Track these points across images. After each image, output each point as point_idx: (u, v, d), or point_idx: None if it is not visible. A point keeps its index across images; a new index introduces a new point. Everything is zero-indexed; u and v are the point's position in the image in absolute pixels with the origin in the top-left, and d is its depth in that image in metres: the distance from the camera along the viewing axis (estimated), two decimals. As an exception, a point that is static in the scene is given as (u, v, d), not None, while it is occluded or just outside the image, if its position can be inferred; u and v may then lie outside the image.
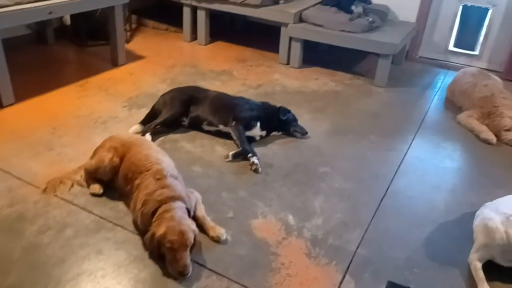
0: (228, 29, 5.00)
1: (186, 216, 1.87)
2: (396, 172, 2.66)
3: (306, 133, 2.96)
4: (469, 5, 4.34)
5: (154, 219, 1.85)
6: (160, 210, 1.85)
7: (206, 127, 2.90)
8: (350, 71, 4.18)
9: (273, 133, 2.96)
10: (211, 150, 2.76)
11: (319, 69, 4.20)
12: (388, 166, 2.72)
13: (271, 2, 4.18)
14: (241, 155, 2.64)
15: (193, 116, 2.90)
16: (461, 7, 4.36)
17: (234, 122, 2.77)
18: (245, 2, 4.14)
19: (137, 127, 2.85)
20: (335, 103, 3.54)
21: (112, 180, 2.21)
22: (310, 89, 3.77)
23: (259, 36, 4.81)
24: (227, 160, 2.64)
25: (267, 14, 4.16)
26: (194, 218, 2.00)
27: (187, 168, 2.55)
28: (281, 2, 4.23)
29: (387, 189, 2.50)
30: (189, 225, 1.82)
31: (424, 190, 2.52)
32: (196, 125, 2.93)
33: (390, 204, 2.38)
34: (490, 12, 4.26)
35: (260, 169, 2.55)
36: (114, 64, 3.94)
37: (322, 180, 2.54)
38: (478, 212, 2.02)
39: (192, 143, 2.83)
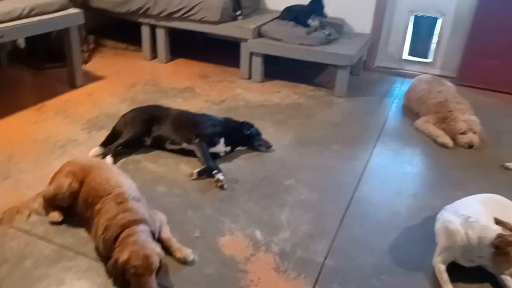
0: (188, 46, 5.00)
1: (150, 239, 1.82)
2: (359, 180, 2.71)
3: (270, 146, 2.98)
4: (419, 15, 4.53)
5: (116, 245, 1.79)
6: (122, 235, 1.80)
7: (169, 146, 2.87)
8: (311, 83, 4.26)
9: (238, 148, 2.97)
10: (175, 169, 2.73)
11: (281, 82, 4.26)
12: (352, 175, 2.77)
13: (230, 18, 4.22)
14: (206, 172, 2.62)
15: (156, 136, 2.86)
16: (412, 17, 4.55)
17: (197, 140, 2.75)
18: (203, 19, 4.16)
19: (97, 149, 2.78)
20: (297, 115, 3.59)
21: (72, 206, 2.14)
22: (273, 103, 3.81)
23: (220, 51, 4.83)
24: (192, 178, 2.61)
25: (227, 30, 4.19)
26: (159, 240, 1.96)
27: (151, 188, 2.50)
28: (239, 18, 4.28)
29: (352, 197, 2.54)
30: (154, 248, 1.77)
31: (387, 196, 2.58)
32: (159, 145, 2.89)
33: (355, 212, 2.42)
34: (440, 21, 4.47)
35: (225, 185, 2.54)
36: (72, 85, 3.84)
37: (288, 193, 2.56)
38: (438, 216, 2.08)
39: (156, 163, 2.78)
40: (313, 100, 3.91)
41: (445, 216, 2.00)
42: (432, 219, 2.15)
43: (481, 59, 4.20)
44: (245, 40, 4.11)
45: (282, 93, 4.03)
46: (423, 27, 4.59)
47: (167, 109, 3.03)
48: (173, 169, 2.73)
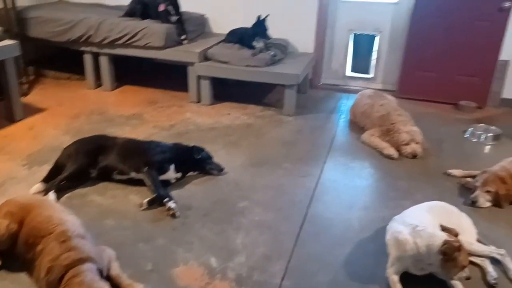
0: (134, 72, 4.92)
1: (98, 278, 1.73)
2: (312, 196, 2.74)
3: (223, 169, 2.96)
4: (358, 33, 4.74)
5: (61, 287, 1.68)
6: (67, 276, 1.69)
7: (117, 176, 2.77)
8: (260, 103, 4.31)
9: (189, 173, 2.92)
10: (125, 200, 2.63)
11: (231, 104, 4.27)
12: (304, 192, 2.79)
13: (175, 43, 4.20)
14: (157, 201, 2.55)
15: (102, 166, 2.76)
16: (352, 36, 4.76)
17: (146, 168, 2.68)
18: (148, 45, 4.12)
19: (38, 186, 2.63)
20: (248, 136, 3.60)
21: (12, 248, 1.99)
22: (223, 125, 3.81)
23: (168, 76, 4.80)
24: (142, 208, 2.52)
25: (172, 55, 4.17)
26: (108, 278, 1.86)
27: (99, 223, 2.39)
28: (185, 42, 4.28)
29: (305, 214, 2.55)
30: (102, 287, 1.68)
31: (339, 210, 2.62)
32: (106, 175, 2.78)
33: (310, 229, 2.43)
34: (377, 38, 4.69)
35: (177, 213, 2.48)
36: (11, 120, 3.65)
37: (242, 215, 2.53)
38: (388, 227, 2.13)
39: (103, 195, 2.67)
40: (263, 120, 3.94)
41: (394, 227, 2.05)
42: (384, 230, 2.20)
43: (418, 72, 4.44)
44: (192, 64, 4.10)
45: (232, 114, 4.04)
46: (363, 45, 4.81)
47: (113, 138, 2.94)
48: (122, 200, 2.63)
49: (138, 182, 2.74)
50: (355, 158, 3.28)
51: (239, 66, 4.03)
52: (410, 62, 4.44)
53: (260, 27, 4.10)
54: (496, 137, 3.56)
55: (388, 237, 2.07)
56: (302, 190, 2.81)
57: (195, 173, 2.94)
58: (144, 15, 4.34)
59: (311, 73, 4.75)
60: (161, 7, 4.14)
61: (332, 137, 3.64)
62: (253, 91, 4.50)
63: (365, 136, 3.51)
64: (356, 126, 3.81)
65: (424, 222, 2.00)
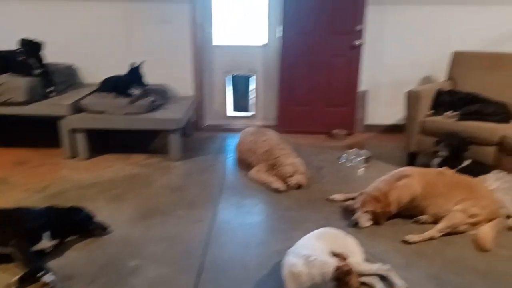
0: (-4, 131, 4.39)
1: None
2: (207, 242, 2.66)
3: (107, 227, 2.72)
4: (235, 74, 4.93)
5: None
6: None
7: (-22, 255, 2.36)
8: (144, 151, 4.15)
9: (69, 238, 2.62)
10: (-11, 282, 2.24)
11: (112, 155, 4.04)
12: (199, 238, 2.70)
13: (41, 97, 3.87)
14: (30, 277, 2.21)
15: (-43, 246, 2.33)
16: (229, 77, 4.92)
17: (14, 240, 2.33)
18: (9, 101, 3.72)
19: None
20: (135, 187, 3.41)
21: None
22: (105, 178, 3.56)
23: (38, 132, 4.36)
24: (13, 288, 2.17)
25: (38, 109, 3.82)
26: None
27: (-44, 316, 1.98)
28: (52, 94, 3.96)
29: (203, 262, 2.45)
30: None
31: (236, 251, 2.57)
32: (-37, 256, 2.35)
33: (208, 276, 2.34)
34: (253, 78, 4.93)
35: (57, 287, 2.18)
36: None
37: (134, 275, 2.33)
38: (283, 261, 2.15)
39: (-40, 281, 2.24)
40: (149, 168, 3.79)
41: (289, 260, 2.07)
42: (280, 264, 2.21)
43: (293, 107, 4.76)
44: (63, 117, 3.80)
45: (114, 166, 3.80)
46: (241, 85, 5.02)
47: (-29, 211, 2.52)
48: (-14, 283, 2.24)
49: (6, 258, 2.36)
50: (246, 195, 3.31)
51: (117, 115, 3.85)
52: (285, 98, 4.74)
53: (135, 74, 4.02)
54: (367, 160, 3.93)
55: (284, 271, 2.08)
56: (197, 237, 2.72)
57: (76, 236, 2.65)
58: (3, 69, 3.93)
59: (194, 116, 4.76)
60: (21, 59, 3.80)
61: (222, 177, 3.64)
62: (135, 140, 4.33)
63: (253, 172, 3.59)
64: (244, 163, 3.88)
65: (316, 251, 2.07)
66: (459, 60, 4.09)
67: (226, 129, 4.92)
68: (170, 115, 3.92)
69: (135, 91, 3.99)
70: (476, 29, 4.46)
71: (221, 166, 3.89)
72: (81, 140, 3.89)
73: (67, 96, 4.02)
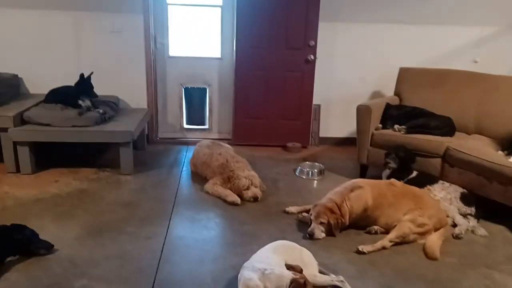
0: None
1: None
2: (160, 259, 2.57)
3: (52, 246, 2.56)
4: (189, 87, 4.88)
5: None
6: None
7: None
8: (94, 165, 3.98)
9: (8, 259, 2.44)
10: None
11: (59, 170, 3.84)
12: (151, 255, 2.61)
13: (-19, 108, 3.63)
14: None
15: None
16: (183, 89, 4.87)
17: None
18: None
19: None
20: (83, 203, 3.26)
21: None
22: (51, 194, 3.37)
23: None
24: None
25: (-22, 121, 3.58)
26: None
27: None
28: (-7, 106, 3.73)
29: (154, 280, 2.37)
30: None
31: (190, 268, 2.51)
32: None
33: (161, 295, 2.26)
34: (208, 90, 4.90)
35: (-5, 312, 2.02)
36: None
37: (81, 297, 2.21)
38: (239, 276, 2.12)
39: None
40: (99, 183, 3.64)
41: (245, 274, 2.04)
42: (236, 279, 2.18)
43: (248, 120, 4.76)
44: (5, 129, 3.58)
45: (61, 181, 3.62)
46: (195, 97, 4.97)
47: None
48: None
49: None
50: (201, 210, 3.25)
51: (64, 127, 3.68)
52: (240, 111, 4.74)
53: (84, 85, 3.87)
54: (320, 172, 4.00)
55: (240, 286, 2.05)
56: (149, 254, 2.62)
57: (16, 257, 2.47)
58: None
59: (147, 128, 4.65)
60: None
61: (176, 191, 3.56)
62: (85, 153, 4.15)
63: (208, 186, 3.54)
64: (198, 177, 3.82)
65: (272, 264, 2.06)
66: (405, 76, 4.29)
67: (180, 142, 4.84)
68: (121, 128, 3.79)
69: (84, 103, 3.85)
70: (421, 47, 4.70)
71: (175, 180, 3.81)
72: (24, 154, 3.67)
73: (10, 107, 3.80)
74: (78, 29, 4.42)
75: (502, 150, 3.28)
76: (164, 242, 2.77)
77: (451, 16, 4.63)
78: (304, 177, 3.97)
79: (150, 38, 4.50)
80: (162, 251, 2.66)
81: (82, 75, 3.89)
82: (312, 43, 4.52)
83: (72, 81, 3.94)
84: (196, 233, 2.93)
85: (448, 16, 4.63)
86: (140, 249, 2.68)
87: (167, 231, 2.91)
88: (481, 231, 2.97)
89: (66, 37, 4.42)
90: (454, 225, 3.00)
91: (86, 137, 3.72)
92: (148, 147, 4.61)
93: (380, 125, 3.90)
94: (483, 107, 3.83)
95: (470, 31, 4.69)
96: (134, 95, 4.60)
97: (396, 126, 3.79)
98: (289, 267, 2.01)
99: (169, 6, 4.61)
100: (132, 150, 3.86)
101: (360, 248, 2.67)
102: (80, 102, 3.83)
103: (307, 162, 4.15)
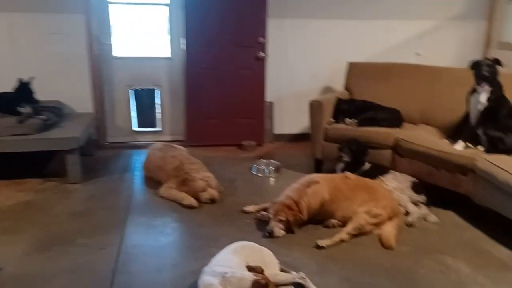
0: None
1: None
2: (114, 269, 2.46)
3: (-5, 266, 2.38)
4: (138, 88, 4.73)
5: None
6: None
7: None
8: (39, 175, 3.76)
9: None
10: None
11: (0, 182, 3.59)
12: (106, 267, 2.48)
13: None
14: None
15: None
16: (132, 91, 4.70)
17: None
18: None
19: None
20: (28, 216, 3.06)
21: None
22: (-8, 209, 3.14)
23: None
24: None
25: None
26: None
27: None
28: None
29: (110, 293, 2.26)
30: None
31: (147, 277, 2.41)
32: None
33: (118, 309, 2.15)
34: (158, 92, 4.77)
35: None
36: None
37: (30, 318, 2.06)
38: (199, 281, 2.06)
39: None
40: (45, 194, 3.43)
41: (205, 280, 1.99)
42: (196, 285, 2.11)
43: (201, 120, 4.70)
44: None
45: (2, 194, 3.39)
46: (145, 99, 4.82)
47: None
48: None
49: None
50: (157, 215, 3.14)
51: (3, 137, 3.43)
52: (193, 111, 4.65)
53: (24, 90, 3.64)
54: (277, 169, 4.00)
55: (201, 292, 1.99)
56: (103, 266, 2.49)
57: (-45, 281, 2.27)
58: None
59: (96, 133, 4.45)
60: None
61: (129, 197, 3.42)
62: (28, 163, 3.90)
63: (162, 190, 3.43)
64: (152, 181, 3.70)
65: (232, 266, 2.02)
66: (354, 70, 4.38)
67: (131, 145, 4.67)
68: (66, 134, 3.60)
69: (25, 109, 3.61)
70: (367, 42, 4.84)
71: (127, 185, 3.67)
72: (-42, 167, 3.40)
73: None
74: (15, 32, 4.14)
75: (447, 138, 3.42)
76: (119, 252, 2.65)
77: (394, 11, 4.79)
78: (260, 175, 3.95)
79: (93, 39, 4.30)
80: (117, 261, 2.54)
81: (20, 80, 3.65)
82: (261, 40, 4.51)
83: (10, 87, 3.69)
84: (152, 240, 2.83)
85: (391, 11, 4.79)
86: (93, 261, 2.54)
87: (122, 240, 2.78)
88: (433, 218, 3.09)
89: (1, 40, 4.13)
90: (407, 214, 3.10)
91: (28, 145, 3.49)
92: (97, 153, 4.41)
93: (333, 120, 3.96)
94: (428, 98, 3.98)
95: (412, 25, 4.88)
96: (79, 99, 4.38)
97: (347, 120, 3.87)
98: (250, 268, 1.98)
99: (110, 5, 4.43)
100: (80, 157, 3.67)
101: (319, 243, 2.69)
102: (19, 109, 3.59)
103: (263, 160, 4.14)
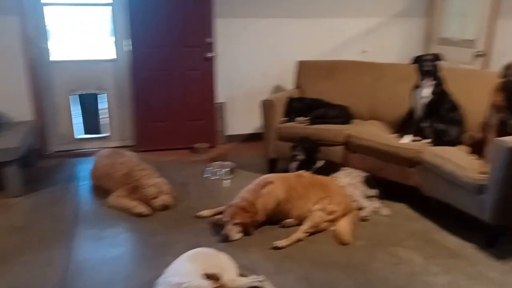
0: None
1: None
2: (64, 287, 2.30)
3: None
4: (82, 93, 4.49)
5: None
6: None
7: None
8: (-27, 190, 3.47)
9: None
10: None
11: None
12: (52, 284, 2.32)
13: None
14: None
15: None
16: (75, 96, 4.46)
17: None
18: None
19: None
20: (-39, 236, 2.81)
21: None
22: None
23: None
24: None
25: None
26: None
27: None
28: None
29: (58, 313, 2.11)
30: None
31: (99, 293, 2.28)
32: None
33: (67, 330, 2.01)
34: (104, 96, 4.55)
35: None
36: None
37: None
38: (153, 294, 1.97)
39: None
40: (-19, 210, 3.17)
41: (160, 292, 1.91)
42: (150, 297, 2.03)
43: (151, 123, 4.55)
44: None
45: None
46: (90, 104, 4.58)
47: None
48: None
49: None
50: (106, 226, 2.99)
51: None
52: (141, 115, 4.49)
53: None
54: (231, 171, 3.94)
55: (156, 305, 1.90)
56: (49, 283, 2.33)
57: None
58: None
59: (36, 142, 4.17)
60: None
61: (76, 208, 3.24)
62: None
63: (112, 198, 3.28)
64: (101, 190, 3.52)
65: (188, 276, 1.94)
66: (303, 69, 4.41)
67: (76, 154, 4.43)
68: (3, 145, 3.34)
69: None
70: (315, 40, 4.89)
71: (73, 196, 3.47)
72: None
73: None
74: None
75: (395, 133, 3.53)
76: (67, 267, 2.49)
77: (340, 9, 4.88)
78: (214, 178, 3.88)
79: (28, 42, 4.03)
80: (64, 278, 2.38)
81: None
82: (209, 40, 4.44)
83: None
84: (102, 252, 2.69)
85: (337, 9, 4.87)
86: (38, 279, 2.37)
87: (69, 254, 2.62)
88: (385, 211, 3.17)
89: None
90: (361, 209, 3.16)
91: (-42, 159, 3.21)
92: (40, 163, 4.15)
93: (285, 118, 3.96)
94: (374, 94, 4.08)
95: (359, 23, 4.99)
96: (16, 107, 4.09)
97: (299, 118, 3.88)
98: (207, 276, 1.91)
99: (45, 7, 4.16)
100: (20, 168, 3.43)
101: (276, 244, 2.67)
102: None
103: (216, 162, 4.07)
